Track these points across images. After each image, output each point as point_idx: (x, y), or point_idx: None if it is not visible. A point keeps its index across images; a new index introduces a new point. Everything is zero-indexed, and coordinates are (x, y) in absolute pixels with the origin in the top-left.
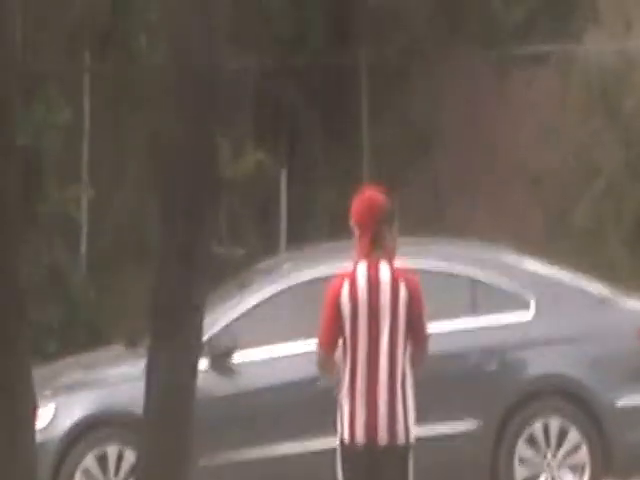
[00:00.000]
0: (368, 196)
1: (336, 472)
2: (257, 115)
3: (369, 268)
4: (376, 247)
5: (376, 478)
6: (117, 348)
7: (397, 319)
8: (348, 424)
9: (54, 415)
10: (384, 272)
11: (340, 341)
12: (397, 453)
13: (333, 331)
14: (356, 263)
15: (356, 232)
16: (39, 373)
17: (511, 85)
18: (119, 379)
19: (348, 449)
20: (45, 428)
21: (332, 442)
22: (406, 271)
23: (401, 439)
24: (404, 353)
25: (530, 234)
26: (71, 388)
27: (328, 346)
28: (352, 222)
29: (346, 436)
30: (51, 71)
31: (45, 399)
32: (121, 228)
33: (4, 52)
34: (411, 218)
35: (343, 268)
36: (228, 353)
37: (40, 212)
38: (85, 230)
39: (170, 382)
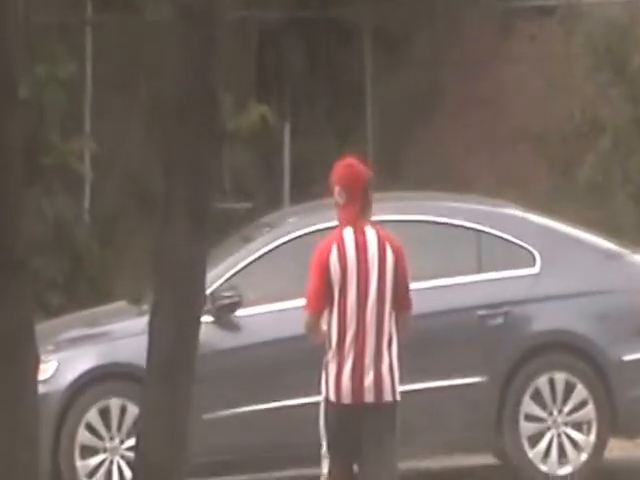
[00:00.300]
0: (355, 164)
1: (319, 430)
2: (261, 68)
3: (356, 233)
4: (364, 212)
5: (362, 435)
6: (120, 304)
7: (384, 283)
8: (334, 383)
9: (57, 369)
10: (371, 237)
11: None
12: (383, 411)
13: (321, 295)
14: (342, 228)
15: (342, 198)
16: (42, 328)
17: (515, 41)
18: (122, 333)
19: (334, 407)
20: (48, 382)
21: None
22: (390, 235)
23: (387, 397)
24: (390, 316)
25: (535, 191)
26: (74, 342)
27: (316, 309)
28: (340, 188)
29: (332, 395)
30: (53, 23)
31: (48, 353)
32: (125, 182)
33: (3, 3)
34: (416, 176)
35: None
36: (231, 307)
37: (43, 165)
38: (88, 184)
39: (173, 336)
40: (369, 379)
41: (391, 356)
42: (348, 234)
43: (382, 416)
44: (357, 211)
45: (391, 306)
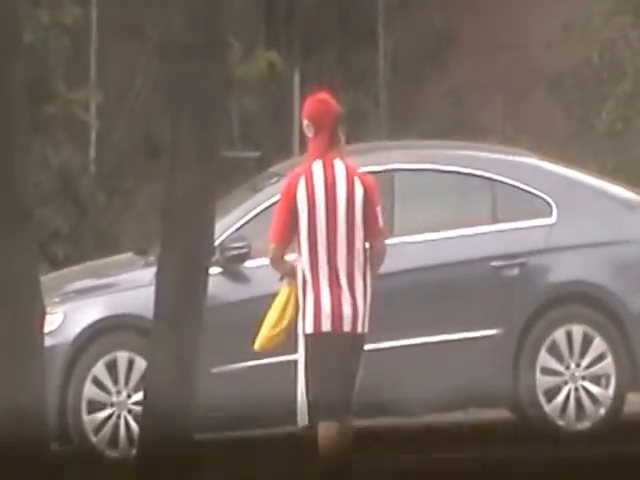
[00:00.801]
0: (324, 97)
1: (298, 362)
2: (269, 13)
3: (325, 166)
4: (333, 146)
5: (339, 363)
6: (127, 255)
7: (353, 215)
8: (313, 315)
9: (63, 321)
10: (339, 170)
11: (296, 238)
12: (357, 341)
13: (288, 227)
14: (311, 161)
15: (311, 131)
16: (48, 279)
17: None
18: (129, 284)
19: (313, 338)
20: (54, 334)
21: None
22: (358, 169)
23: (360, 329)
24: (362, 247)
25: (552, 138)
26: (80, 294)
27: (282, 241)
28: (307, 121)
29: (310, 326)
30: None
31: (54, 305)
32: (131, 130)
33: None
34: (428, 124)
35: (299, 165)
36: (240, 257)
37: (47, 114)
38: (94, 132)
39: (180, 286)
40: (347, 309)
41: (365, 287)
42: (317, 167)
43: (355, 346)
44: (325, 144)
45: (362, 238)
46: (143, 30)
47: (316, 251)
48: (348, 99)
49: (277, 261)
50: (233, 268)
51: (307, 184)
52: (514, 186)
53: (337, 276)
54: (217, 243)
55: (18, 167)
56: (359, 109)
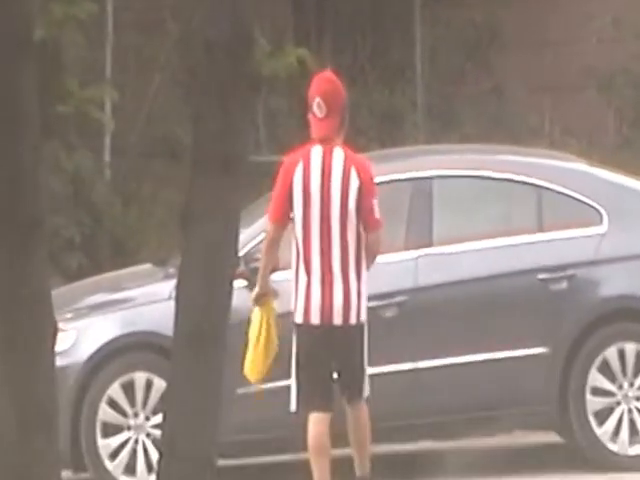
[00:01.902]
0: (337, 79)
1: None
2: (299, 8)
3: (324, 153)
4: (341, 131)
5: (331, 355)
6: (145, 266)
7: (347, 204)
8: (303, 306)
9: (76, 339)
10: (337, 158)
11: (291, 227)
12: (350, 332)
13: (285, 208)
14: (312, 145)
15: (323, 111)
16: (60, 293)
17: None
18: (147, 299)
19: (303, 329)
20: (66, 353)
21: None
22: (358, 157)
23: (353, 319)
24: (356, 238)
25: (603, 143)
26: (95, 309)
27: (279, 222)
28: (319, 99)
29: (301, 317)
30: None
31: (67, 321)
32: (149, 133)
33: None
34: (470, 127)
35: (299, 149)
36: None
37: (60, 114)
38: (109, 135)
39: (202, 301)
40: (337, 301)
41: (359, 277)
42: (316, 153)
43: (350, 337)
44: (334, 128)
45: (356, 227)
46: (163, 24)
47: (309, 240)
48: (383, 99)
49: (272, 244)
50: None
51: (304, 171)
52: (562, 193)
53: (330, 266)
54: (242, 253)
55: (28, 171)
56: (395, 110)
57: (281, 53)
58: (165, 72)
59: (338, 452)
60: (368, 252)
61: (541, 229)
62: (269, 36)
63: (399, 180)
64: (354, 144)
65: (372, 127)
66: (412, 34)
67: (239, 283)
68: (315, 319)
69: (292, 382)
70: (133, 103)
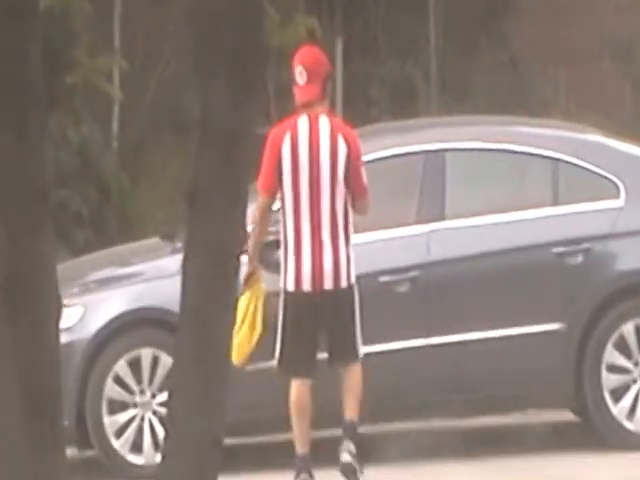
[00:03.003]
0: (317, 49)
1: (278, 320)
2: None
3: (310, 122)
4: (322, 98)
5: (322, 319)
6: (153, 240)
7: (336, 172)
8: (294, 272)
9: (83, 314)
10: (324, 126)
11: (279, 196)
12: (341, 295)
13: (274, 178)
14: (298, 115)
15: (303, 78)
16: (66, 267)
17: None
18: (155, 274)
19: (293, 296)
20: (73, 329)
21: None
22: (344, 125)
23: (344, 283)
24: (344, 203)
25: (620, 112)
26: (102, 284)
27: (269, 192)
28: (301, 67)
29: (291, 284)
30: None
31: (73, 296)
32: (158, 104)
33: None
34: (484, 99)
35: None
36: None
37: (68, 85)
38: (117, 106)
39: (209, 276)
40: (327, 267)
41: (347, 241)
42: (303, 123)
43: (340, 299)
44: (317, 92)
45: (344, 194)
46: None
47: (299, 209)
48: (395, 70)
49: (263, 216)
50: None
51: (292, 140)
52: (578, 166)
53: (319, 233)
54: (250, 228)
55: (34, 143)
56: (407, 82)
57: (290, 23)
58: (174, 42)
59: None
60: (358, 214)
61: (557, 202)
62: (280, 5)
63: (411, 153)
64: (366, 115)
65: (384, 98)
66: (425, 4)
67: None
68: (307, 286)
69: (277, 344)
70: (141, 74)
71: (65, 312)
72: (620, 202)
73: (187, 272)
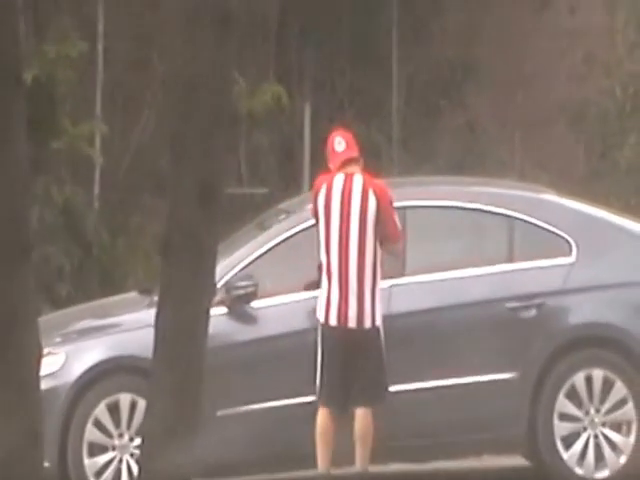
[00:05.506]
0: (348, 131)
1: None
2: (280, 47)
3: (345, 178)
4: (357, 161)
5: (349, 355)
6: (131, 294)
7: (365, 222)
8: (324, 308)
9: (65, 362)
10: (357, 182)
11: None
12: (365, 335)
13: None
14: (336, 172)
15: (341, 146)
16: (50, 319)
17: (552, 14)
18: (133, 325)
19: (324, 328)
20: (56, 375)
21: None
22: (374, 180)
23: (367, 324)
24: (373, 251)
25: (573, 174)
26: (83, 334)
27: None
28: (339, 138)
29: (322, 317)
30: (65, 2)
31: (56, 345)
32: (136, 167)
33: None
34: (445, 160)
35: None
36: (247, 297)
37: (53, 149)
38: (99, 169)
39: (180, 326)
40: (352, 307)
41: (374, 285)
42: (338, 178)
43: (364, 339)
44: (352, 155)
45: (373, 242)
46: (149, 64)
47: (329, 254)
48: (361, 134)
49: None
50: (239, 308)
51: (327, 193)
52: (532, 224)
53: (347, 279)
54: (223, 282)
55: (19, 204)
56: (371, 144)
57: (259, 91)
58: (152, 109)
59: None
60: (393, 254)
61: (512, 259)
62: (252, 73)
63: None
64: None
65: None
66: (389, 71)
67: (218, 310)
68: (333, 321)
69: (317, 376)
70: (121, 138)
71: (48, 360)
72: (572, 259)
73: (159, 322)
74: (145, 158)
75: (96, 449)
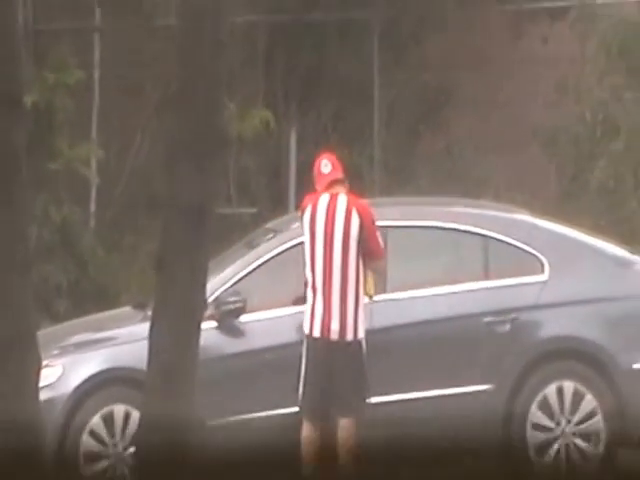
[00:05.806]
0: (334, 154)
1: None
2: (268, 74)
3: (330, 197)
4: (342, 182)
5: (330, 366)
6: (126, 309)
7: (348, 240)
8: (309, 320)
9: (62, 374)
10: (341, 201)
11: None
12: (346, 347)
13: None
14: (321, 192)
15: (327, 167)
16: (48, 333)
17: (526, 43)
18: (127, 338)
19: (309, 340)
20: (53, 386)
21: None
22: (358, 200)
23: (350, 337)
24: (356, 267)
25: (545, 195)
26: (79, 347)
27: None
28: (325, 160)
29: (307, 329)
30: (62, 30)
31: (53, 358)
32: (131, 187)
33: (5, 5)
34: (424, 181)
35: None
36: (236, 312)
37: (51, 170)
38: (95, 189)
39: (173, 340)
40: (335, 320)
41: (357, 301)
42: (324, 198)
43: (346, 350)
44: (337, 177)
45: (356, 260)
46: (143, 90)
47: (314, 269)
48: (343, 157)
49: None
50: (229, 322)
51: (312, 211)
52: (507, 243)
53: (330, 293)
54: (213, 298)
55: (18, 223)
56: (354, 167)
57: (248, 116)
58: (145, 132)
59: None
60: (375, 270)
61: (487, 276)
62: (241, 98)
63: None
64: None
65: None
66: (371, 97)
67: (209, 324)
68: (317, 332)
69: (300, 385)
70: (117, 160)
71: (46, 372)
72: (544, 276)
73: (153, 335)
74: (139, 179)
75: (92, 458)
